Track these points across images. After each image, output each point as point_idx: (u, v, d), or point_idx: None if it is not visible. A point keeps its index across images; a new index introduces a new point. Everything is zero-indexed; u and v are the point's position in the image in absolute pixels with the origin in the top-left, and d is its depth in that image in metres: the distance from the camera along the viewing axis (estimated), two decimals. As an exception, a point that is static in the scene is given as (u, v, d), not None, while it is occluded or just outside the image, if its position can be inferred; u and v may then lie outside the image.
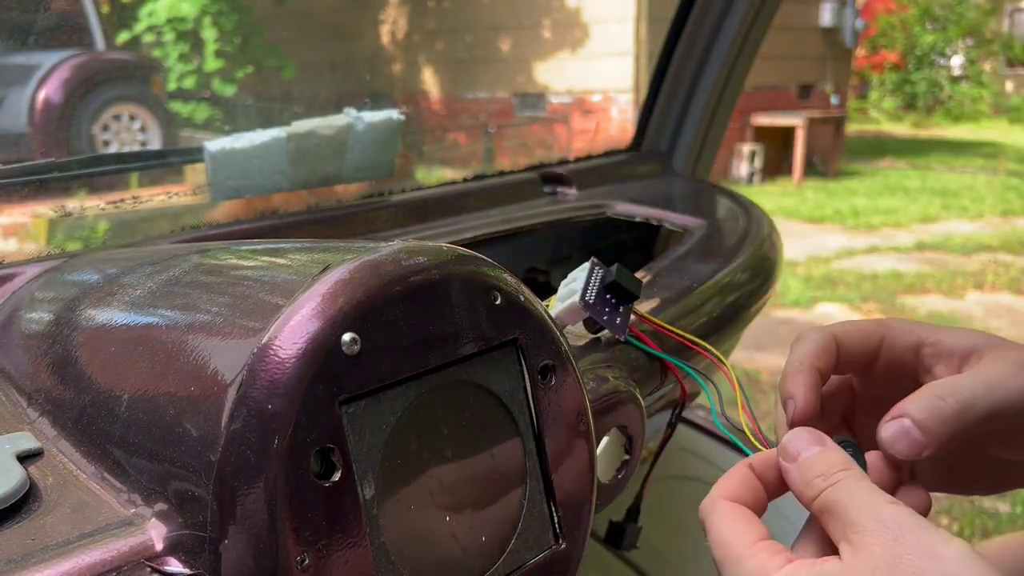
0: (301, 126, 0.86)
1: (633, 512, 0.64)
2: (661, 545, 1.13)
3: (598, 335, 0.61)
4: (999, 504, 2.52)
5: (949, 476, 0.52)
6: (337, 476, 0.36)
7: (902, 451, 0.44)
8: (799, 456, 0.42)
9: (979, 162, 9.76)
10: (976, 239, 5.92)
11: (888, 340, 0.50)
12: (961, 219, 6.65)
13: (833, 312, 4.33)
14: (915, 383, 0.48)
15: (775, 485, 0.44)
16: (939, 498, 2.55)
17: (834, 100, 9.58)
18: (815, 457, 0.42)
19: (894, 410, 0.45)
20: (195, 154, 0.86)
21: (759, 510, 0.43)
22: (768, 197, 7.37)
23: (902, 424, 0.44)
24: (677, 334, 0.60)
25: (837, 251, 5.65)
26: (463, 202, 1.02)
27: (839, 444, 0.45)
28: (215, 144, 0.82)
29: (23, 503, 0.40)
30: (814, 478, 0.41)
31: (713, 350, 0.58)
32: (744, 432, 0.51)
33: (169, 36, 3.29)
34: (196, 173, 0.89)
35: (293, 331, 0.36)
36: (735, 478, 0.44)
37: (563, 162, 1.22)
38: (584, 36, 7.38)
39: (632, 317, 0.60)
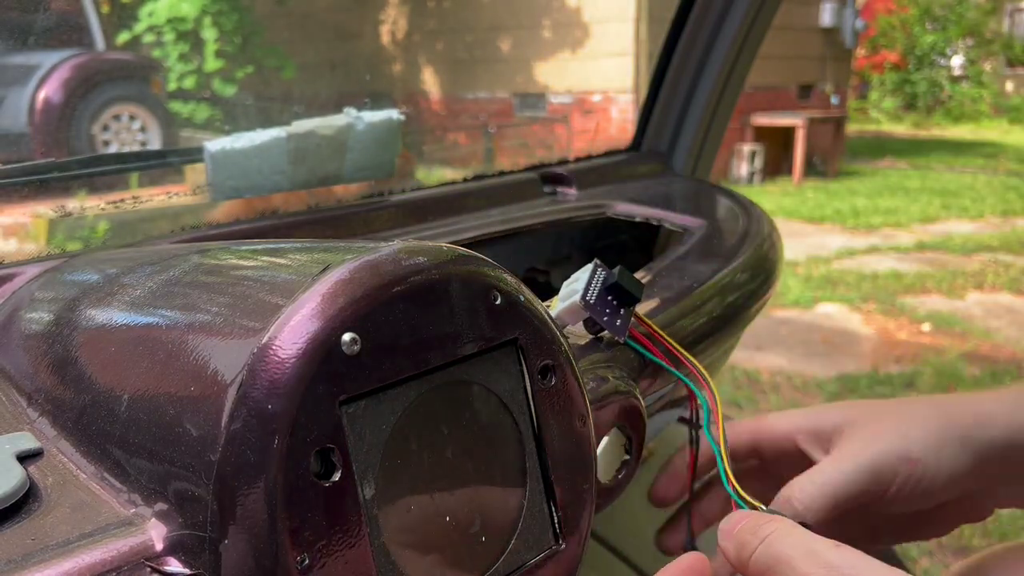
0: (301, 126, 0.86)
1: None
2: (661, 545, 1.13)
3: (599, 335, 0.61)
4: (999, 504, 2.51)
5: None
6: (337, 476, 0.36)
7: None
8: (735, 527, 0.43)
9: (979, 162, 9.77)
10: (976, 239, 5.92)
11: (767, 432, 0.57)
12: (961, 219, 6.66)
13: (833, 312, 4.33)
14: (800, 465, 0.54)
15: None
16: (939, 498, 2.54)
17: (834, 100, 9.58)
18: (743, 523, 0.42)
19: (783, 491, 0.51)
20: (195, 154, 0.86)
21: None
22: (768, 197, 7.38)
23: (790, 502, 0.50)
24: (668, 342, 0.60)
25: (837, 251, 5.65)
26: (463, 202, 1.02)
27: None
28: (215, 144, 0.82)
29: (23, 503, 0.40)
30: (744, 539, 0.41)
31: (698, 364, 0.58)
32: (719, 453, 0.52)
33: (169, 36, 3.29)
34: (196, 173, 0.89)
35: (293, 331, 0.36)
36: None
37: (563, 162, 1.22)
38: (584, 36, 7.38)
39: (632, 319, 0.60)
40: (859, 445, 0.50)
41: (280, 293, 0.39)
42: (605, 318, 0.58)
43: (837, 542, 0.38)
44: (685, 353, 0.59)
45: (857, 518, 0.53)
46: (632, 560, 1.14)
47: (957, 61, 15.74)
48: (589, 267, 0.59)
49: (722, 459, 0.51)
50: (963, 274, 5.04)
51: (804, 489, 0.50)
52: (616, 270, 0.59)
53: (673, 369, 0.59)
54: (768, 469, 0.59)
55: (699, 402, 0.57)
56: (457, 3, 7.63)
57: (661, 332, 0.60)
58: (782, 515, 0.44)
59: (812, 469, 0.51)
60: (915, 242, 5.88)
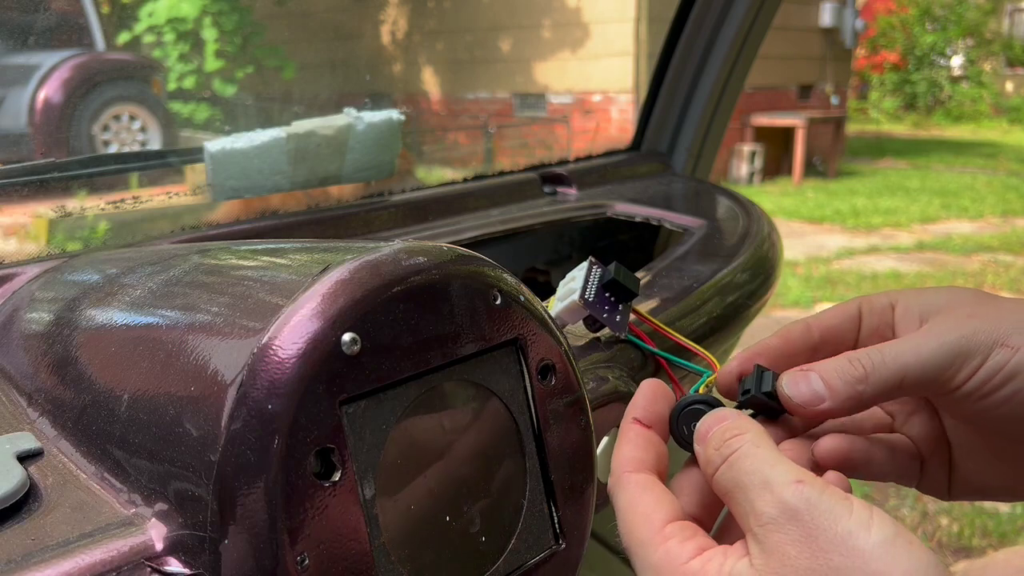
0: (301, 126, 0.86)
1: None
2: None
3: (598, 334, 0.61)
4: (999, 504, 2.52)
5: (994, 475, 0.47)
6: (337, 476, 0.36)
7: (797, 396, 0.42)
8: (708, 434, 0.39)
9: (979, 162, 9.77)
10: (976, 239, 5.92)
11: (866, 306, 0.47)
12: (961, 219, 6.66)
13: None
14: None
15: (667, 431, 0.42)
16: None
17: (834, 100, 9.58)
18: (716, 430, 0.39)
19: (803, 367, 0.43)
20: (195, 154, 0.86)
21: (663, 465, 0.41)
22: (768, 197, 7.38)
23: (806, 373, 0.43)
24: (673, 335, 0.60)
25: (837, 251, 5.65)
26: (463, 202, 1.02)
27: (759, 372, 0.43)
28: (215, 144, 0.82)
29: (23, 503, 0.40)
30: (710, 455, 0.38)
31: (706, 353, 0.57)
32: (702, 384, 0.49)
33: (169, 36, 3.29)
34: (196, 173, 0.89)
35: (293, 331, 0.36)
36: (630, 443, 0.41)
37: (563, 162, 1.22)
38: (584, 36, 7.38)
39: (632, 316, 0.60)
40: (951, 323, 0.42)
41: (280, 293, 0.39)
42: (604, 315, 0.58)
43: (801, 475, 0.34)
44: (690, 343, 0.58)
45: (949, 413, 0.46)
46: (632, 560, 1.14)
47: (957, 61, 15.75)
48: (584, 265, 0.59)
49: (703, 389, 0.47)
50: (963, 274, 5.04)
51: (835, 362, 0.42)
52: (612, 266, 0.59)
53: (678, 359, 0.59)
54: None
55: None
56: (457, 3, 7.63)
57: (663, 326, 0.60)
58: (752, 419, 0.40)
59: (888, 342, 0.43)
60: (915, 242, 5.88)
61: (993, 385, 0.41)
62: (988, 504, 2.51)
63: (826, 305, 4.42)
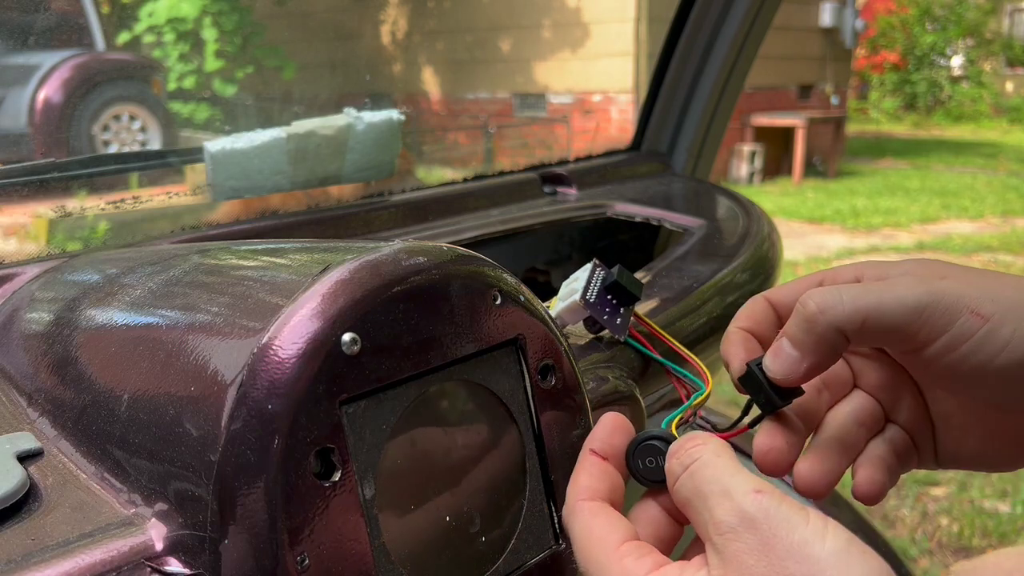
0: (301, 126, 0.86)
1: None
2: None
3: (599, 335, 0.61)
4: (999, 504, 2.52)
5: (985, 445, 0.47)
6: (337, 476, 0.36)
7: (779, 370, 0.41)
8: (674, 454, 0.39)
9: (979, 162, 9.77)
10: (976, 239, 5.92)
11: (829, 279, 0.46)
12: (961, 219, 6.66)
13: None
14: None
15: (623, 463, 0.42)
16: (938, 497, 2.55)
17: (834, 100, 9.59)
18: (680, 444, 0.39)
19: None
20: (195, 154, 0.86)
21: (616, 496, 0.41)
22: (768, 197, 7.38)
23: (779, 343, 0.42)
24: (667, 340, 0.60)
25: (837, 251, 5.66)
26: (463, 202, 1.02)
27: (748, 368, 0.43)
28: (215, 144, 0.82)
29: (23, 503, 0.40)
30: (672, 467, 0.38)
31: (699, 362, 0.57)
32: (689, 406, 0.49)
33: (169, 36, 3.29)
34: (196, 173, 0.89)
35: (293, 331, 0.36)
36: (585, 472, 0.41)
37: (563, 162, 1.22)
38: (584, 36, 7.38)
39: (632, 319, 0.60)
40: (919, 281, 0.41)
41: (280, 293, 0.39)
42: (605, 317, 0.58)
43: (760, 485, 0.35)
44: (685, 350, 0.59)
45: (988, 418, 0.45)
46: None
47: (957, 61, 15.75)
48: (588, 266, 0.59)
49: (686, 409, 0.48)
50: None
51: (827, 294, 0.41)
52: (615, 269, 0.59)
53: (675, 365, 0.59)
54: None
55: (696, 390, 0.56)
56: (457, 3, 7.63)
57: (660, 330, 0.60)
58: (714, 434, 0.41)
59: (845, 285, 0.42)
60: (915, 242, 5.88)
61: (962, 353, 0.41)
62: (988, 504, 2.51)
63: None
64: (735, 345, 0.46)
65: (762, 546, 0.33)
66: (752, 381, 0.44)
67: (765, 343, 0.47)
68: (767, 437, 0.44)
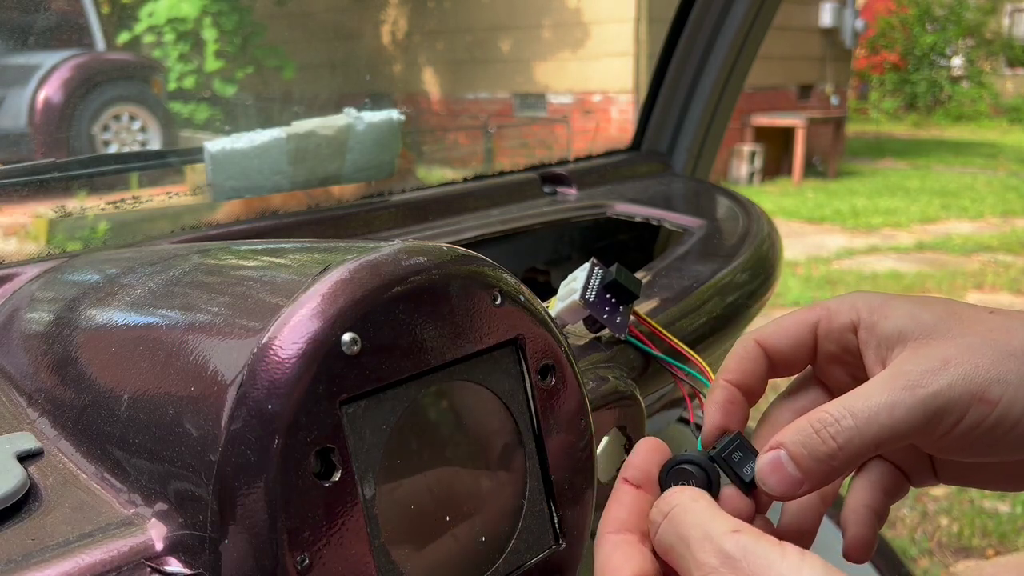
0: (301, 126, 0.86)
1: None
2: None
3: (598, 335, 0.61)
4: (999, 504, 2.52)
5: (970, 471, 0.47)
6: (337, 476, 0.36)
7: (776, 488, 0.40)
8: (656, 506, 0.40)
9: (979, 162, 9.78)
10: (976, 239, 5.92)
11: (824, 325, 0.45)
12: (961, 219, 6.66)
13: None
14: (863, 369, 0.43)
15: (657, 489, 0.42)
16: (938, 497, 2.55)
17: (834, 100, 9.59)
18: (662, 498, 0.40)
19: (773, 439, 0.41)
20: (195, 154, 0.86)
21: (646, 525, 0.41)
22: (768, 197, 7.38)
23: (777, 456, 0.40)
24: (669, 338, 0.60)
25: (837, 251, 5.66)
26: (463, 202, 1.02)
27: (727, 442, 0.42)
28: (215, 144, 0.82)
29: (23, 503, 0.40)
30: (652, 517, 0.39)
31: (699, 359, 0.57)
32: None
33: (169, 36, 3.29)
34: (196, 173, 0.89)
35: (293, 331, 0.36)
36: (616, 503, 0.42)
37: (563, 162, 1.22)
38: (584, 36, 7.38)
39: (632, 317, 0.60)
40: (923, 368, 0.40)
41: (280, 293, 0.39)
42: (605, 316, 0.58)
43: (738, 525, 0.36)
44: (686, 348, 0.59)
45: (914, 452, 0.45)
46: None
47: (957, 61, 15.75)
48: (587, 266, 0.59)
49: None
50: (963, 274, 5.04)
51: (801, 434, 0.40)
52: (614, 268, 0.59)
53: (676, 361, 0.59)
54: (832, 382, 0.48)
55: (701, 397, 0.57)
56: (457, 3, 7.63)
57: (661, 329, 0.60)
58: (735, 440, 0.42)
59: (818, 409, 0.40)
60: (915, 242, 5.88)
61: (973, 437, 0.40)
62: (988, 504, 2.51)
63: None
64: (715, 405, 0.45)
65: None
66: (724, 463, 0.42)
67: (753, 394, 0.46)
68: (730, 502, 0.43)
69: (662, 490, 0.42)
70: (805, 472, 0.40)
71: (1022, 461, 0.45)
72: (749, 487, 0.42)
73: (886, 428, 0.39)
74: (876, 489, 0.47)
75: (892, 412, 0.39)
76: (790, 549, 0.35)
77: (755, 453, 0.42)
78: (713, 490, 0.42)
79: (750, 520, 0.42)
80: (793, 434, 0.40)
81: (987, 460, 0.43)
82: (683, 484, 0.41)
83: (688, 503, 0.38)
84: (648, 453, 0.43)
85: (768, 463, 0.41)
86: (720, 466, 0.42)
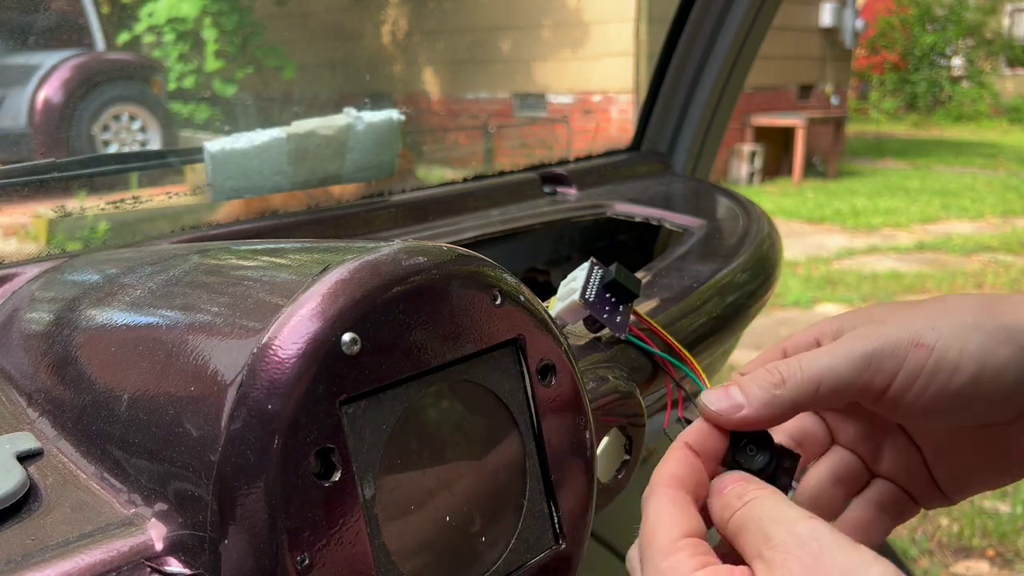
0: (301, 126, 0.86)
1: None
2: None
3: (598, 335, 0.61)
4: (999, 504, 2.52)
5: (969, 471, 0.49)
6: (337, 476, 0.36)
7: (716, 405, 0.43)
8: (724, 489, 0.42)
9: (979, 162, 9.77)
10: (976, 239, 5.92)
11: (791, 349, 0.48)
12: (961, 219, 6.66)
13: (833, 312, 4.33)
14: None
15: (714, 461, 0.44)
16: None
17: (834, 100, 9.58)
18: (732, 486, 0.41)
19: (727, 382, 0.45)
20: (195, 154, 0.86)
21: (700, 491, 0.42)
22: (768, 197, 7.38)
23: (727, 389, 0.44)
24: (668, 338, 0.60)
25: (837, 251, 5.66)
26: (463, 202, 1.02)
27: (783, 452, 0.45)
28: (215, 144, 0.82)
29: (23, 503, 0.40)
30: (730, 501, 0.40)
31: (694, 362, 0.57)
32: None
33: (169, 36, 3.29)
34: (196, 173, 0.89)
35: (293, 331, 0.36)
36: (675, 461, 0.43)
37: (563, 162, 1.22)
38: (584, 36, 7.38)
39: (632, 317, 0.60)
40: (863, 332, 0.44)
41: (280, 293, 0.39)
42: (605, 315, 0.58)
43: (814, 516, 0.37)
44: (683, 350, 0.59)
45: (887, 422, 0.48)
46: (632, 560, 1.14)
47: (957, 61, 15.74)
48: (586, 265, 0.59)
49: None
50: (963, 274, 5.04)
51: (787, 365, 0.44)
52: (613, 267, 0.59)
53: (677, 361, 0.59)
54: None
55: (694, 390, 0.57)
56: (457, 3, 7.63)
57: (660, 328, 0.60)
58: (791, 455, 0.45)
59: (805, 352, 0.45)
60: (915, 242, 5.88)
61: (919, 386, 0.43)
62: (988, 504, 2.51)
63: (826, 305, 4.42)
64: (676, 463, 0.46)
65: (812, 561, 0.34)
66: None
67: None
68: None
69: (733, 456, 0.44)
70: (748, 396, 0.43)
71: (1001, 448, 0.47)
72: (762, 474, 0.44)
73: (826, 367, 0.43)
74: (871, 506, 0.49)
75: (833, 356, 0.43)
76: (864, 547, 0.35)
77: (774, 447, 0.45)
78: (772, 473, 0.44)
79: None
80: (746, 376, 0.45)
81: (953, 422, 0.45)
82: (751, 449, 0.44)
83: (767, 493, 0.40)
84: (709, 429, 0.44)
85: (711, 392, 0.44)
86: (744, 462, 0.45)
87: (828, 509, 0.49)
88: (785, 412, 0.44)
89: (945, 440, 0.48)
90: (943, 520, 2.44)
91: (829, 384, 0.43)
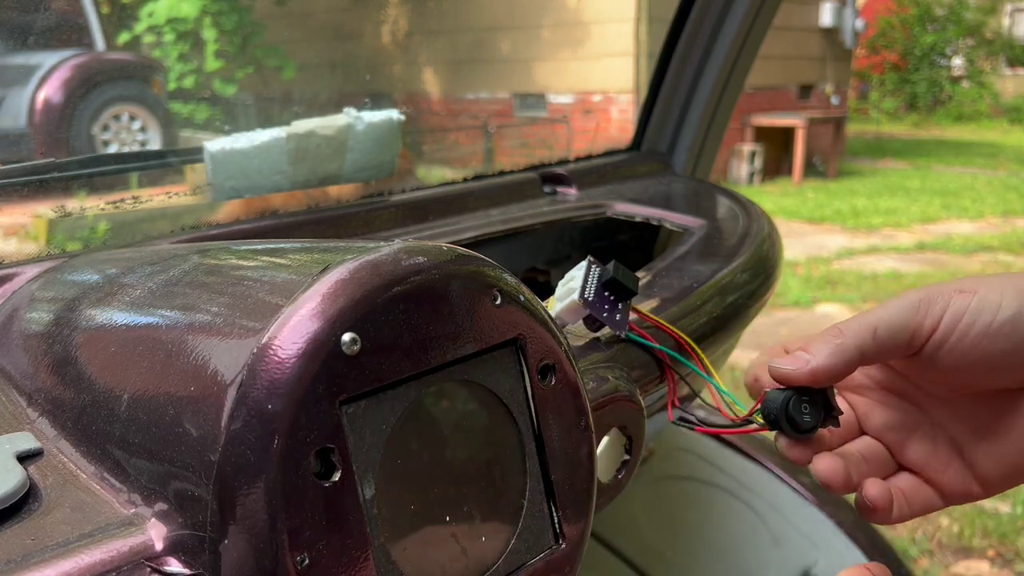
0: (301, 126, 0.86)
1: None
2: (660, 544, 1.13)
3: (598, 334, 0.61)
4: (1000, 505, 2.51)
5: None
6: (337, 476, 0.36)
7: (786, 363, 0.47)
8: None
9: (979, 162, 9.77)
10: (977, 239, 5.92)
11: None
12: (962, 219, 6.66)
13: (833, 312, 4.33)
14: None
15: None
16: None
17: (834, 100, 9.58)
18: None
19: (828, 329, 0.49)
20: (195, 154, 0.86)
21: None
22: (768, 197, 7.38)
23: (792, 352, 0.48)
24: (672, 331, 0.60)
25: (837, 251, 5.65)
26: (463, 202, 1.02)
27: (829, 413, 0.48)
28: (215, 144, 0.82)
29: (23, 503, 0.40)
30: None
31: (701, 355, 0.58)
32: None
33: (169, 36, 3.29)
34: (196, 173, 0.89)
35: (293, 331, 0.36)
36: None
37: (563, 162, 1.22)
38: (584, 36, 7.38)
39: (632, 315, 0.60)
40: (911, 291, 0.48)
41: (280, 293, 0.39)
42: (604, 314, 0.58)
43: None
44: (689, 340, 0.59)
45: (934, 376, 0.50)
46: (631, 559, 1.14)
47: (957, 61, 15.74)
48: (583, 265, 0.59)
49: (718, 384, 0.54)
50: (964, 274, 5.02)
51: (843, 321, 0.48)
52: (610, 265, 0.59)
53: (679, 356, 0.59)
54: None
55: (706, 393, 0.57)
56: (457, 3, 7.63)
57: (662, 321, 0.60)
58: (698, 428, 0.50)
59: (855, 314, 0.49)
60: (915, 242, 5.88)
61: (964, 325, 0.46)
62: (988, 504, 2.50)
63: (826, 305, 4.42)
64: (759, 367, 0.52)
65: None
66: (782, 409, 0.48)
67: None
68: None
69: (788, 419, 0.48)
70: (813, 351, 0.47)
71: None
72: (806, 433, 0.49)
73: (879, 315, 0.47)
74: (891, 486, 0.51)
75: (885, 308, 0.48)
76: None
77: (810, 401, 0.48)
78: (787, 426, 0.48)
79: (808, 460, 0.49)
80: (805, 339, 0.49)
81: (991, 370, 0.48)
82: (804, 408, 0.48)
83: None
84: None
85: (779, 356, 0.49)
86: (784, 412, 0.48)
87: (846, 486, 0.50)
88: (849, 359, 0.47)
89: (987, 422, 0.50)
90: (943, 520, 2.44)
91: (885, 328, 0.47)
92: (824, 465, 0.49)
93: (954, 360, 0.47)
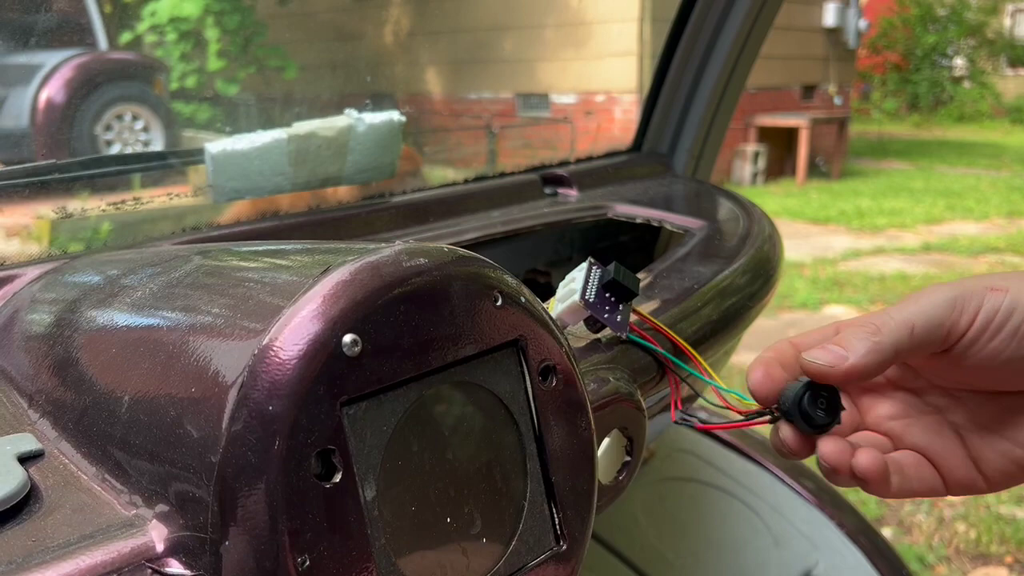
0: (302, 127, 0.86)
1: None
2: (661, 545, 1.13)
3: (599, 335, 0.61)
4: (1016, 511, 2.50)
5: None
6: (338, 478, 0.36)
7: (822, 359, 0.46)
8: None
9: (982, 163, 9.75)
10: (982, 240, 5.90)
11: (844, 328, 0.51)
12: (966, 220, 6.64)
13: (841, 314, 4.32)
14: None
15: None
16: (955, 503, 2.54)
17: (837, 100, 9.57)
18: None
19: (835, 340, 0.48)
20: (196, 155, 0.86)
21: None
22: (772, 198, 7.37)
23: (827, 346, 0.47)
24: (670, 334, 0.60)
25: (843, 252, 5.64)
26: (464, 203, 1.02)
27: (824, 394, 0.47)
28: (216, 145, 0.82)
29: (24, 504, 0.40)
30: None
31: (700, 359, 0.58)
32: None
33: (171, 36, 3.30)
34: (198, 174, 0.89)
35: (294, 332, 0.36)
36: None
37: (564, 163, 1.22)
38: (587, 36, 7.38)
39: (632, 316, 0.60)
40: (939, 285, 0.48)
41: (281, 294, 0.39)
42: (605, 315, 0.58)
43: None
44: (687, 346, 0.59)
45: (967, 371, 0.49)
46: (632, 561, 1.14)
47: (959, 62, 15.72)
48: (584, 266, 0.59)
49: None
50: (970, 275, 5.01)
51: (879, 315, 0.47)
52: (611, 266, 0.59)
53: (677, 359, 0.59)
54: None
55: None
56: (458, 3, 7.63)
57: (661, 325, 0.60)
58: (698, 425, 0.50)
59: (889, 307, 0.48)
60: (921, 243, 5.86)
61: (995, 326, 0.46)
62: (1005, 510, 2.49)
63: (834, 307, 4.41)
64: (763, 364, 0.51)
65: None
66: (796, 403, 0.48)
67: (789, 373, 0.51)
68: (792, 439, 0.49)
69: (801, 414, 0.47)
70: (850, 347, 0.46)
71: None
72: (818, 429, 0.48)
73: (916, 311, 0.46)
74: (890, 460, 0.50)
75: (919, 303, 0.47)
76: None
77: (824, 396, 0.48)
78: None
79: (808, 453, 0.49)
80: (841, 333, 0.48)
81: (1019, 376, 0.47)
82: (821, 403, 0.47)
83: None
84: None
85: (814, 351, 0.47)
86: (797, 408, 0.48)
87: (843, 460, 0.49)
88: (886, 357, 0.46)
89: (994, 418, 0.49)
90: (960, 526, 2.43)
91: (922, 325, 0.46)
92: (829, 448, 0.48)
93: (981, 359, 0.47)
